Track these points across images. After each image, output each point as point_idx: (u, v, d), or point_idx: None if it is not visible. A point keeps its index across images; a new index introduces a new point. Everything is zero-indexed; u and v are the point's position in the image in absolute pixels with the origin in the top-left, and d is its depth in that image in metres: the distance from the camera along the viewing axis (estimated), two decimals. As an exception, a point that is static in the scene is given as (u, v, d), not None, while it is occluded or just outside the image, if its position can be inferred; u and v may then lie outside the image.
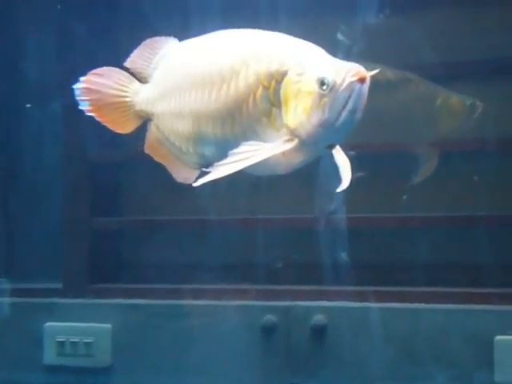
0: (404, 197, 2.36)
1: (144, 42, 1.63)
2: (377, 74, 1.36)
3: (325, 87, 1.33)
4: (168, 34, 1.62)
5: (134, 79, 1.64)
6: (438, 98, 2.43)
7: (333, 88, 1.33)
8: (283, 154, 1.40)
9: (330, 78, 1.33)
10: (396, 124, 2.42)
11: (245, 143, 1.41)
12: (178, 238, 2.73)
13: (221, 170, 1.38)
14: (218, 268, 2.59)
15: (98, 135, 2.73)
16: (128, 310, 2.62)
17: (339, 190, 1.46)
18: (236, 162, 1.38)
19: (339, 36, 2.28)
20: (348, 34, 2.29)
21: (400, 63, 2.41)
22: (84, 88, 1.61)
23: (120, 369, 2.62)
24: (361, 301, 2.42)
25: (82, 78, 1.61)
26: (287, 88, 1.40)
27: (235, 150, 1.40)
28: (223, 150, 1.45)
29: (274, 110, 1.41)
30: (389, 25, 2.46)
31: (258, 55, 1.45)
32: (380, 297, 2.41)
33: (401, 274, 2.47)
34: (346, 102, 1.32)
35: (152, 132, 1.66)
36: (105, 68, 1.63)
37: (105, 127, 2.72)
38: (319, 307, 2.44)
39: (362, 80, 1.31)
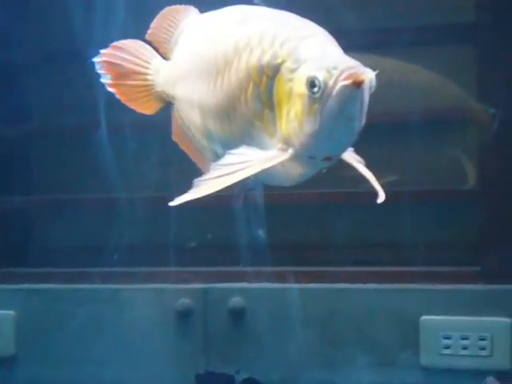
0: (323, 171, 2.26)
1: (162, 12, 1.44)
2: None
3: (315, 90, 1.12)
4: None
5: (155, 54, 1.46)
6: (468, 104, 2.33)
7: (324, 92, 1.12)
8: (282, 164, 1.20)
9: (320, 78, 1.12)
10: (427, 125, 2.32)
11: (230, 152, 1.21)
12: (85, 218, 2.62)
13: (202, 188, 1.18)
14: (128, 249, 2.46)
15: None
16: (33, 296, 2.53)
17: (379, 201, 1.29)
18: (219, 177, 1.17)
19: (256, 1, 2.15)
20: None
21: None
22: (104, 62, 1.43)
23: (24, 358, 2.53)
24: (280, 282, 2.35)
25: (102, 51, 1.43)
26: (279, 87, 1.19)
27: (219, 162, 1.19)
28: (229, 148, 1.25)
29: (267, 112, 1.21)
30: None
31: (250, 43, 1.23)
32: (300, 277, 2.34)
33: (323, 254, 2.39)
34: (341, 109, 1.11)
35: (174, 118, 1.47)
36: (126, 41, 1.45)
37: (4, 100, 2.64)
38: (236, 289, 2.39)
39: (357, 83, 1.09)
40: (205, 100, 1.33)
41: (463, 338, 2.18)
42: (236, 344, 2.36)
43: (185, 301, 2.39)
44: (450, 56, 2.33)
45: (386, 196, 2.34)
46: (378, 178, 1.29)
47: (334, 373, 2.29)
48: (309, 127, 1.14)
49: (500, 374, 2.14)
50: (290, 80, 1.17)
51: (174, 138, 1.48)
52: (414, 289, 2.25)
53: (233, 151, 1.21)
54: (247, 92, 1.22)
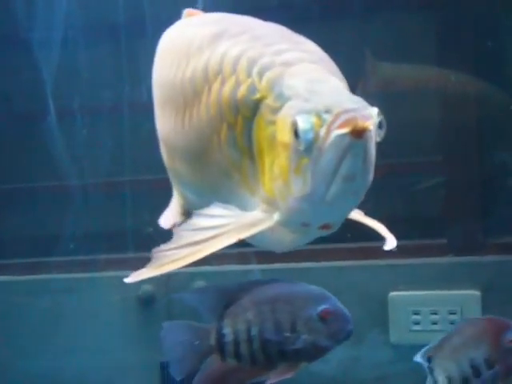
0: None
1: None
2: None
3: (300, 140, 0.86)
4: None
5: None
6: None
7: (313, 144, 0.86)
8: (270, 230, 0.96)
9: (307, 126, 0.85)
10: None
11: (199, 213, 0.96)
12: (38, 207, 2.52)
13: (164, 264, 0.97)
14: (85, 237, 2.39)
15: None
16: (-13, 289, 2.45)
17: (388, 248, 1.11)
18: (184, 248, 0.96)
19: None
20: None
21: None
22: None
23: (-17, 352, 2.45)
24: (244, 263, 2.29)
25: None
26: (260, 131, 0.92)
27: (185, 226, 0.96)
28: (202, 198, 1.04)
29: (246, 162, 0.95)
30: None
31: (222, 69, 0.96)
32: (263, 258, 2.26)
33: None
34: (337, 166, 0.86)
35: None
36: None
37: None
38: (200, 273, 2.30)
39: (356, 133, 0.83)
40: (172, 136, 1.07)
41: (433, 313, 2.13)
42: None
43: (146, 287, 2.32)
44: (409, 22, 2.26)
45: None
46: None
47: (301, 353, 2.24)
48: (297, 188, 0.89)
49: (471, 348, 2.11)
50: (272, 123, 0.90)
51: None
52: (380, 265, 2.19)
53: (202, 211, 0.95)
54: (220, 134, 0.96)
